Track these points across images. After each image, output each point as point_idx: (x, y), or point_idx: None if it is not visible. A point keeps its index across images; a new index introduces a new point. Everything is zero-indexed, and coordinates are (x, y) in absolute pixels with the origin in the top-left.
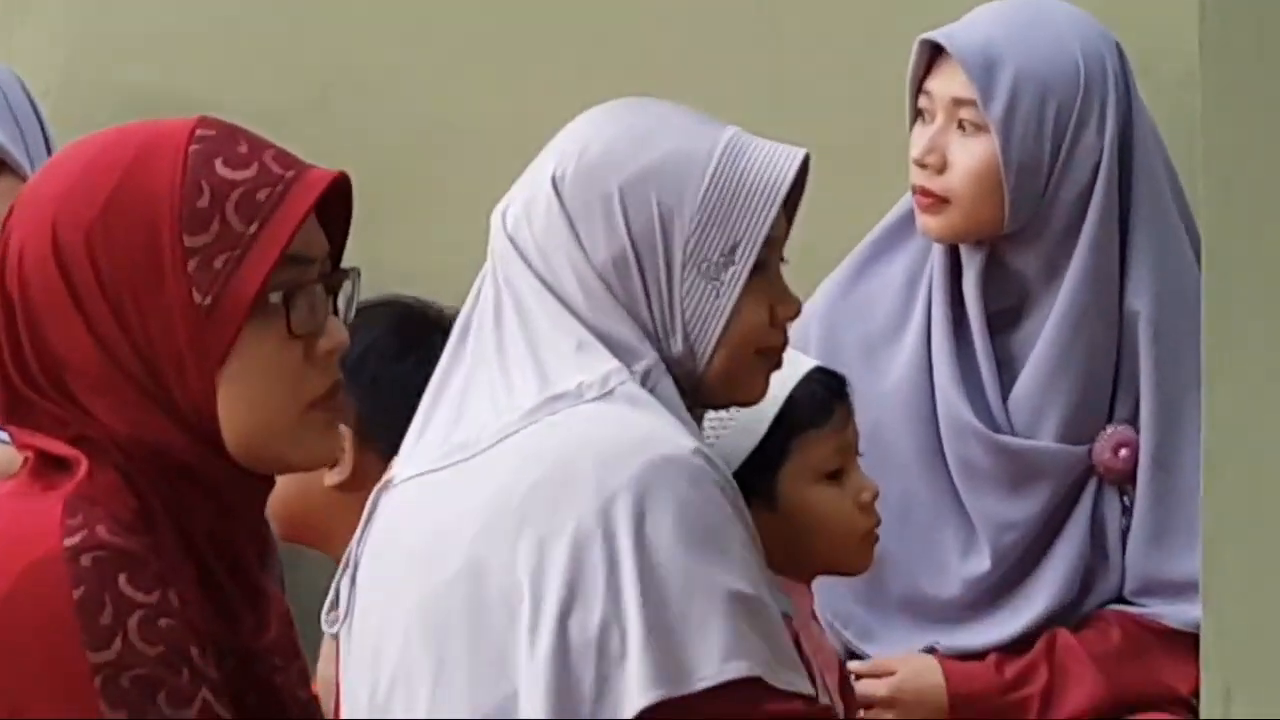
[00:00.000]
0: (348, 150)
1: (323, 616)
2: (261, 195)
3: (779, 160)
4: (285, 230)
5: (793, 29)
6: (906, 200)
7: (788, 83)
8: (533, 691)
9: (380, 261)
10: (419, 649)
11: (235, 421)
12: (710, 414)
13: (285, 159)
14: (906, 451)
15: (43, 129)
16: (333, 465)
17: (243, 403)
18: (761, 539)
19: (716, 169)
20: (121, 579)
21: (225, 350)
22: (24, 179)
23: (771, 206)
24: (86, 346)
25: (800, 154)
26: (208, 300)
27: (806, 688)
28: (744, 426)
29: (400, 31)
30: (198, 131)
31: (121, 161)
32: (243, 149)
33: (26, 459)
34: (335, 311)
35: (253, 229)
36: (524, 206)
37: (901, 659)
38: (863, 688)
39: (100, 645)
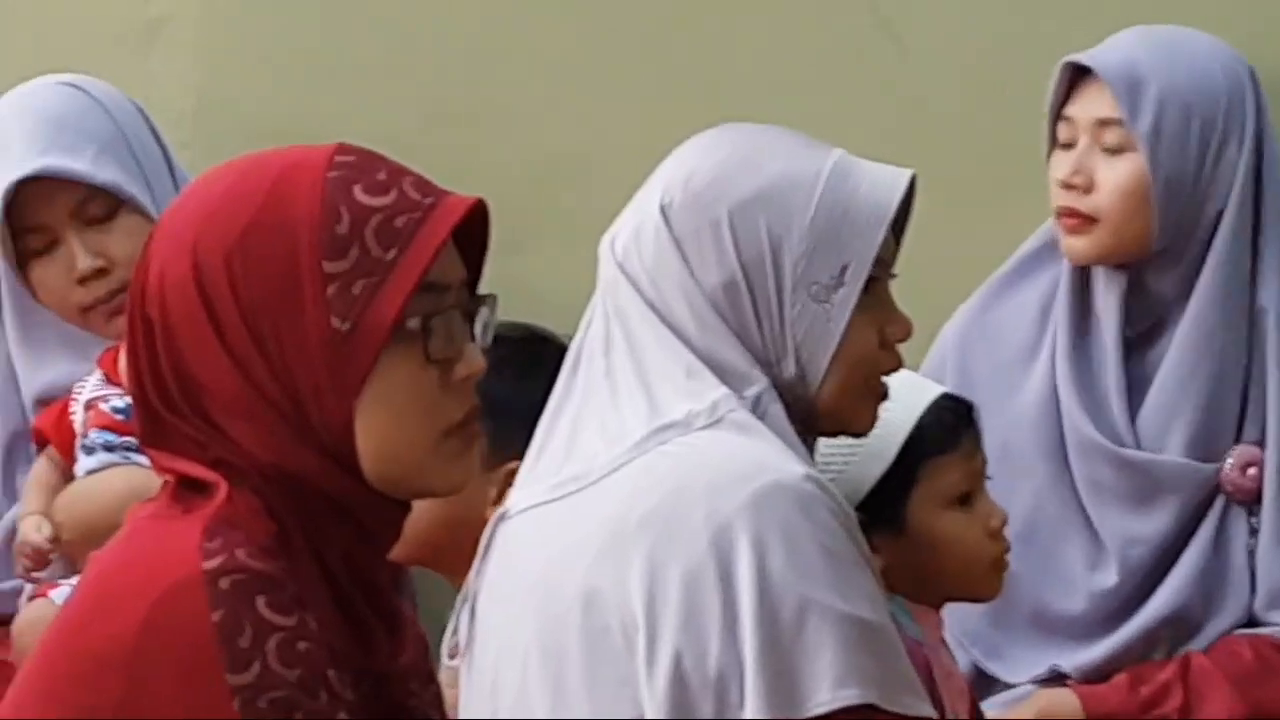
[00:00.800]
0: (480, 177)
1: (442, 648)
2: (400, 222)
3: (886, 180)
4: (424, 257)
5: (919, 54)
6: (1043, 229)
7: (915, 111)
8: None
9: (512, 287)
10: (537, 678)
11: (372, 447)
12: (837, 441)
13: (423, 185)
14: (1035, 469)
15: (168, 160)
16: (497, 501)
17: (380, 428)
18: (891, 565)
19: (824, 191)
20: (260, 602)
21: (363, 376)
22: (147, 215)
23: (880, 226)
24: (225, 370)
25: (907, 174)
26: (346, 326)
27: (929, 711)
28: (873, 452)
29: (535, 59)
30: (337, 158)
31: (261, 187)
32: (381, 175)
33: (166, 482)
34: (472, 338)
35: (391, 255)
36: (633, 234)
37: (1031, 700)
38: None
39: (239, 668)
